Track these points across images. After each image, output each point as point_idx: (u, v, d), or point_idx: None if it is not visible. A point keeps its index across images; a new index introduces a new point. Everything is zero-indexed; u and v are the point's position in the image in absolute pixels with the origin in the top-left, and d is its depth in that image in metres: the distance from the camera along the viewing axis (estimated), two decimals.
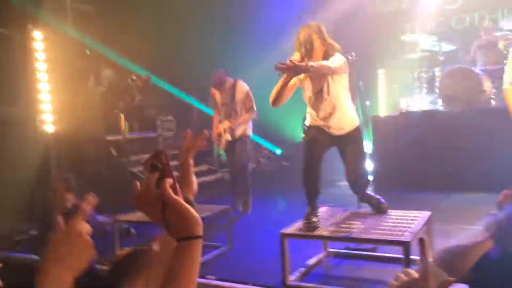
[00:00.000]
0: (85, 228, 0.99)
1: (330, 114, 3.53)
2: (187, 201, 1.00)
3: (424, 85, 6.88)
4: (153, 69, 6.67)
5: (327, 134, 3.59)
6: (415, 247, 2.87)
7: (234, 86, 5.46)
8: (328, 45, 3.52)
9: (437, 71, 6.64)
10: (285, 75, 3.30)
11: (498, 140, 5.35)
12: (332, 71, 3.41)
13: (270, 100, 3.54)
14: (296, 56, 3.42)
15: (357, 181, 3.69)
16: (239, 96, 5.44)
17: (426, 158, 5.93)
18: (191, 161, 1.30)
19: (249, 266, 3.83)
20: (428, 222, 3.40)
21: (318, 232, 3.33)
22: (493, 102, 6.22)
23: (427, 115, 6.35)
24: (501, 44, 6.31)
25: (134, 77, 5.44)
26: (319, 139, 3.58)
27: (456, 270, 2.15)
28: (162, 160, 1.01)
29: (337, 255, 3.89)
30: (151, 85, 5.83)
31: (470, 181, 5.38)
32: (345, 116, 3.57)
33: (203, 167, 7.36)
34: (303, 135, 3.91)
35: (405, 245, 2.89)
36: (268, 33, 7.31)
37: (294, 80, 3.45)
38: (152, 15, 7.64)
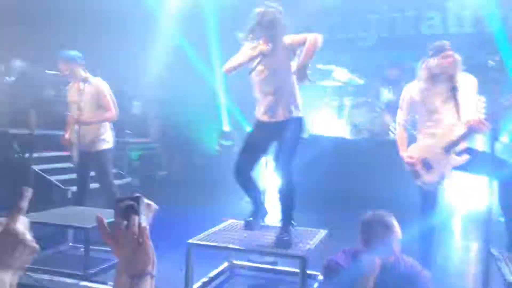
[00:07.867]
0: (23, 225, 0.98)
1: None
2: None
3: (334, 112, 7.37)
4: None
5: None
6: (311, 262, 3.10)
7: (84, 82, 4.61)
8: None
9: (346, 101, 7.14)
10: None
11: (392, 169, 5.88)
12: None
13: (226, 67, 3.60)
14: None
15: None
16: (88, 93, 4.62)
17: (329, 180, 6.35)
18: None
19: None
20: (325, 239, 3.65)
21: (223, 244, 3.34)
22: (392, 134, 6.82)
23: (335, 140, 6.82)
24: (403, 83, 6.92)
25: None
26: None
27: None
28: (139, 203, 1.09)
29: (240, 267, 4.04)
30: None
31: (368, 204, 5.83)
32: None
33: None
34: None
35: (302, 260, 3.10)
36: None
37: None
38: None
